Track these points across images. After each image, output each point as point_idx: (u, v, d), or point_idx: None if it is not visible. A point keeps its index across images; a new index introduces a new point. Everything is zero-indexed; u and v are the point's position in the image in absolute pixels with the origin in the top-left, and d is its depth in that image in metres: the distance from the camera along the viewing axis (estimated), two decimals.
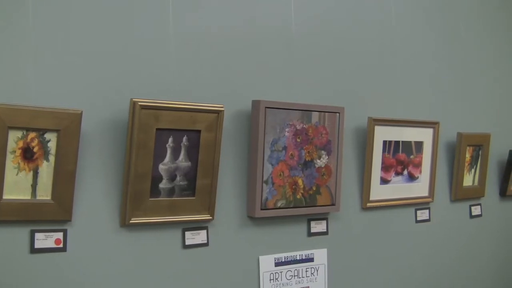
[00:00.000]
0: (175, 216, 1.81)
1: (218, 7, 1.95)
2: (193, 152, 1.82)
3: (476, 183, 2.89)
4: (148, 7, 1.79)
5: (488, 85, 3.02)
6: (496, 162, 3.06)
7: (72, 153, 1.59)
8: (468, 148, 2.79)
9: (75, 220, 1.64)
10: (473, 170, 2.86)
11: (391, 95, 2.51)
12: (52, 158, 1.58)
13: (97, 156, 1.69)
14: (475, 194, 2.91)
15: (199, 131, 1.81)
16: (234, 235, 1.98)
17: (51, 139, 1.57)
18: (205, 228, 1.90)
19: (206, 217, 1.87)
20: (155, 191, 1.77)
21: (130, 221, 1.72)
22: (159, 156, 1.76)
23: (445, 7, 2.79)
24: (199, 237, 1.89)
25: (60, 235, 1.62)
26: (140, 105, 1.68)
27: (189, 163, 1.82)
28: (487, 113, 3.01)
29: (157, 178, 1.77)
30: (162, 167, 1.77)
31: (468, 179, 2.84)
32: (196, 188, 1.84)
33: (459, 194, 2.78)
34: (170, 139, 1.77)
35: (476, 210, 2.93)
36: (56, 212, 1.59)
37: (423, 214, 2.63)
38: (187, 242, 1.86)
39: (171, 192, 1.80)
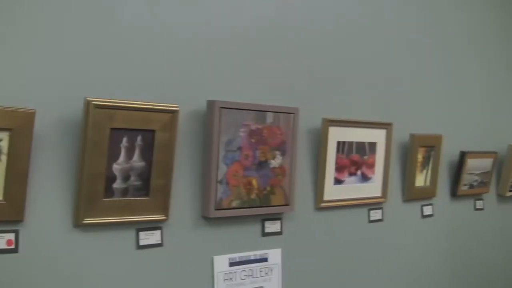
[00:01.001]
0: (129, 216, 1.83)
1: (174, 6, 1.98)
2: (147, 152, 1.85)
3: (428, 183, 2.99)
4: (102, 4, 1.81)
5: (440, 87, 3.13)
6: (447, 163, 3.18)
7: (25, 153, 1.60)
8: (420, 149, 2.89)
9: (27, 220, 1.64)
10: (425, 171, 2.96)
11: (346, 96, 2.58)
12: (4, 157, 1.58)
13: (50, 156, 1.70)
14: (427, 194, 3.01)
15: (153, 131, 1.84)
16: (188, 235, 2.02)
17: (3, 138, 1.58)
18: (160, 228, 1.93)
19: (161, 217, 1.90)
20: (109, 191, 1.79)
21: (84, 222, 1.74)
22: (113, 156, 1.78)
23: (399, 7, 2.88)
24: (153, 237, 1.92)
25: (12, 236, 1.63)
26: (94, 104, 1.70)
27: (143, 163, 1.85)
28: (439, 114, 3.12)
29: (111, 178, 1.79)
30: (116, 167, 1.79)
31: (420, 180, 2.94)
32: (150, 188, 1.87)
33: (411, 194, 2.89)
34: (125, 139, 1.79)
35: (427, 210, 3.03)
36: (8, 213, 1.60)
37: (376, 214, 2.71)
38: (141, 243, 1.89)
39: (125, 192, 1.82)
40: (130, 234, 1.87)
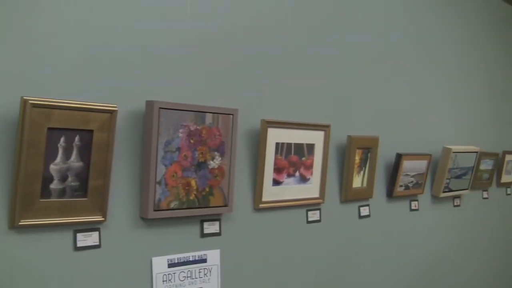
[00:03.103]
0: (67, 217, 1.86)
1: (113, 5, 2.02)
2: (85, 152, 1.88)
3: (365, 184, 3.11)
4: (43, 3, 1.83)
5: (377, 90, 3.26)
6: (384, 164, 3.31)
7: None
8: (357, 150, 2.99)
9: None
10: (362, 172, 3.07)
11: (285, 98, 2.67)
12: None
13: None
14: (364, 195, 3.12)
15: (91, 131, 1.87)
16: (127, 237, 2.05)
17: None
18: (97, 229, 1.96)
19: (98, 218, 1.94)
20: (45, 192, 1.81)
21: (19, 223, 1.75)
22: (50, 156, 1.80)
23: (339, 7, 3.00)
24: (91, 238, 1.94)
25: None
26: (31, 103, 1.71)
27: (81, 164, 1.88)
28: (376, 117, 3.24)
29: (48, 179, 1.81)
30: (53, 167, 1.81)
31: (357, 181, 3.05)
32: (88, 188, 1.90)
33: (348, 195, 2.99)
34: (62, 139, 1.82)
35: (364, 211, 3.15)
36: None
37: (314, 215, 2.80)
38: (79, 244, 1.91)
39: (62, 193, 1.85)
40: (68, 235, 1.89)
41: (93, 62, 1.96)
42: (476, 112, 4.35)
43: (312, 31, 2.83)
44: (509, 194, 4.86)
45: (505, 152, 4.64)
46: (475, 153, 3.99)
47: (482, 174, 4.29)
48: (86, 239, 1.94)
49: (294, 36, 2.73)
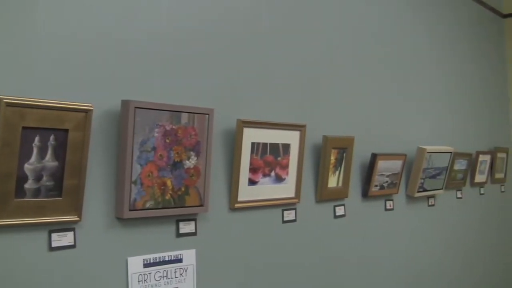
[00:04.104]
0: (41, 217, 1.86)
1: (89, 4, 2.03)
2: (60, 152, 1.89)
3: (340, 184, 3.14)
4: (17, 3, 1.83)
5: (353, 90, 3.31)
6: (359, 164, 3.35)
7: None
8: (333, 150, 3.01)
9: None
10: (337, 172, 3.10)
11: (261, 97, 2.70)
12: None
13: None
14: (339, 195, 3.16)
15: (67, 130, 1.88)
16: (102, 237, 2.06)
17: None
18: (72, 229, 1.96)
19: (73, 218, 1.94)
20: (20, 191, 1.81)
21: None
22: (24, 155, 1.81)
23: (316, 7, 3.03)
24: (66, 238, 1.95)
25: None
26: (5, 102, 1.72)
27: (56, 163, 1.88)
28: (352, 117, 3.29)
29: (22, 178, 1.81)
30: (27, 167, 1.82)
31: (333, 181, 3.08)
32: (63, 188, 1.91)
33: (324, 195, 3.02)
34: (37, 138, 1.83)
35: (340, 210, 3.18)
36: None
37: (289, 215, 2.83)
38: (54, 244, 1.91)
39: (37, 192, 1.85)
40: (42, 235, 1.89)
41: (68, 61, 1.96)
42: (451, 113, 4.43)
43: (288, 31, 2.86)
44: (483, 194, 4.95)
45: (479, 153, 4.72)
46: (449, 154, 4.06)
47: (456, 174, 4.37)
48: (61, 239, 1.94)
49: (270, 36, 2.76)
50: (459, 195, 4.54)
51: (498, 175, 5.22)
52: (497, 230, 5.21)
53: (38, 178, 1.85)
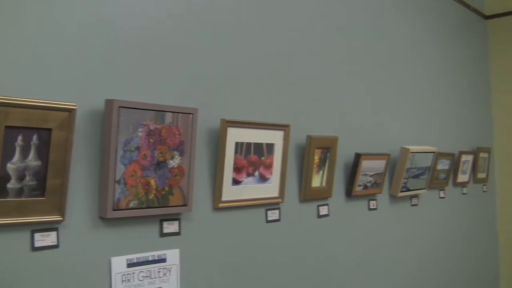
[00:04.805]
0: (24, 217, 1.86)
1: (72, 3, 2.03)
2: (43, 151, 1.89)
3: (324, 184, 3.16)
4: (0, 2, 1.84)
5: (336, 90, 3.33)
6: (343, 164, 3.37)
7: None
8: (317, 150, 3.04)
9: None
10: (321, 172, 3.12)
11: (245, 97, 2.71)
12: None
13: None
14: (323, 195, 3.18)
15: (50, 130, 1.88)
16: (85, 236, 2.06)
17: None
18: (56, 229, 1.96)
19: (57, 218, 1.94)
20: (2, 191, 1.81)
21: None
22: (7, 155, 1.80)
23: (299, 8, 3.05)
24: (49, 238, 1.95)
25: None
26: None
27: (39, 163, 1.88)
28: (336, 117, 3.31)
29: (4, 178, 1.81)
30: (10, 167, 1.82)
31: (317, 180, 3.10)
32: (46, 188, 1.90)
33: (307, 194, 3.04)
34: (20, 138, 1.82)
35: (323, 210, 3.20)
36: None
37: (273, 214, 2.85)
38: (36, 244, 1.91)
39: (19, 192, 1.85)
40: (25, 235, 1.89)
41: (52, 61, 1.97)
42: (434, 114, 4.48)
43: (272, 31, 2.88)
44: (465, 194, 5.00)
45: (461, 153, 4.77)
46: (432, 153, 4.10)
47: (439, 174, 4.41)
48: (44, 239, 1.94)
49: (255, 36, 2.78)
50: (441, 194, 4.58)
51: (481, 175, 5.28)
52: (479, 229, 5.27)
53: (21, 178, 1.85)
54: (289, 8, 3.00)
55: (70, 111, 1.91)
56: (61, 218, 1.95)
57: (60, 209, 1.95)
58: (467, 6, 5.20)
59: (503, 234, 5.58)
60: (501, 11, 5.53)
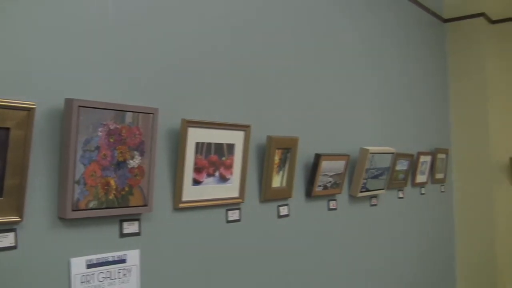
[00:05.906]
0: None
1: (33, 1, 2.02)
2: (1, 151, 1.87)
3: (284, 184, 3.19)
4: None
5: (297, 90, 3.37)
6: (303, 165, 3.42)
7: None
8: (277, 150, 3.07)
9: None
10: (281, 172, 3.16)
11: (206, 97, 2.73)
12: None
13: None
14: (283, 195, 3.21)
15: (8, 129, 1.87)
16: (44, 237, 2.05)
17: None
18: (14, 230, 1.95)
19: (15, 218, 1.93)
20: None
21: None
22: None
23: (265, 7, 3.09)
24: (6, 240, 1.94)
25: None
26: None
27: None
28: (296, 117, 3.35)
29: None
30: None
31: (277, 181, 3.13)
32: (4, 188, 1.89)
33: (268, 195, 3.07)
34: None
35: (284, 210, 3.24)
36: None
37: (233, 214, 2.87)
38: None
39: None
40: None
41: (11, 58, 1.95)
42: (392, 115, 4.56)
43: (234, 30, 2.91)
44: (423, 194, 5.11)
45: (420, 153, 4.88)
46: (391, 154, 4.17)
47: (398, 175, 4.50)
48: (2, 240, 1.92)
49: (216, 36, 2.80)
50: (400, 195, 4.67)
51: (438, 176, 5.40)
52: (437, 228, 5.38)
53: None
54: (247, 8, 3.03)
55: (29, 110, 1.90)
56: (19, 219, 1.94)
57: (19, 210, 1.93)
58: (426, 9, 5.31)
59: (460, 233, 5.71)
60: (459, 14, 5.66)
